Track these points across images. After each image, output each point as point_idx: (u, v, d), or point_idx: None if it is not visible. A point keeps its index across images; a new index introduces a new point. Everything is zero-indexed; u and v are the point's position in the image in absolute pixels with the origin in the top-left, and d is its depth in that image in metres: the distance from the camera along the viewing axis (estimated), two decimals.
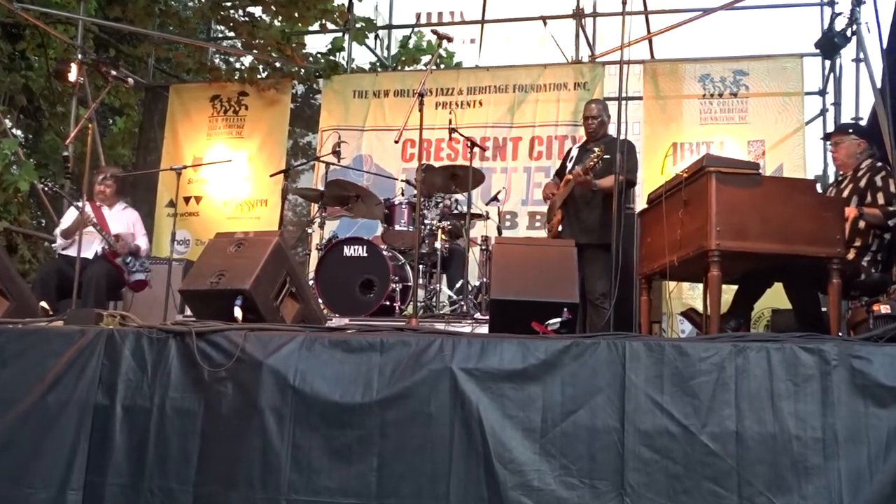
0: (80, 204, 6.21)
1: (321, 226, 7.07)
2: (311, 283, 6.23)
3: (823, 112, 8.66)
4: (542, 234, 7.60)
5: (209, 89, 10.03)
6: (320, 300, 6.10)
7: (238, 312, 4.12)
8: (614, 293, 4.64)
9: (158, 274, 6.90)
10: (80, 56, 9.43)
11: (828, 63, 8.52)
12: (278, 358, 3.68)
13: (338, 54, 10.06)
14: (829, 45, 8.13)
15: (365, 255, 6.32)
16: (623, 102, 5.24)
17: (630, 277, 5.47)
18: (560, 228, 6.19)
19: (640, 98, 8.84)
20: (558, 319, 4.06)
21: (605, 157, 5.74)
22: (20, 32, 10.52)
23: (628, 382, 3.37)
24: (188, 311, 5.36)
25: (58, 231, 6.79)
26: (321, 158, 7.65)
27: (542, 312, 4.07)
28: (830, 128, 7.75)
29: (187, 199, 9.63)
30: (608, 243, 5.27)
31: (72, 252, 6.30)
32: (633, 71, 10.23)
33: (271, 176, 8.43)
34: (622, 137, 5.32)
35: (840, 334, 4.40)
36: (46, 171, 11.62)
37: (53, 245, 7.04)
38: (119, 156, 13.03)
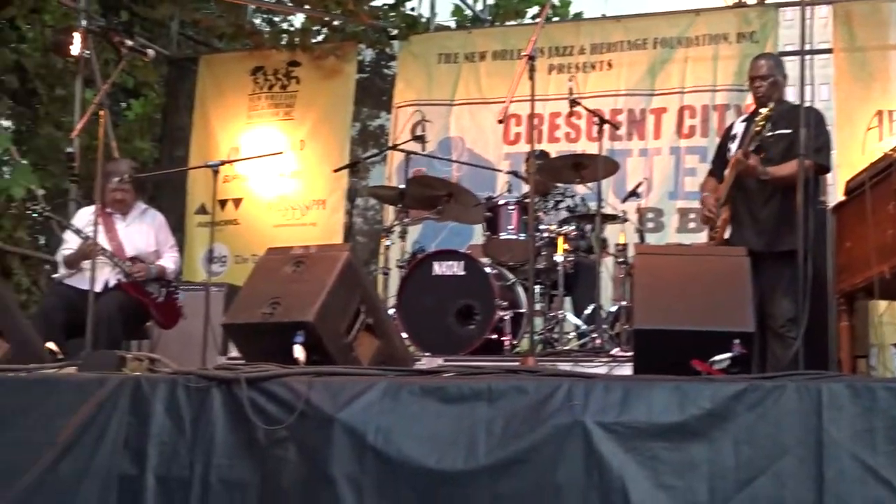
0: (84, 231, 6.40)
1: (402, 235, 6.96)
2: (391, 312, 6.29)
3: None
4: (700, 238, 7.53)
5: (250, 59, 10.20)
6: (404, 334, 6.12)
7: (299, 352, 4.18)
8: (804, 318, 4.58)
9: (192, 303, 7.03)
10: (83, 23, 9.46)
11: None
12: (354, 411, 3.73)
13: (416, 5, 10.19)
14: None
15: (462, 272, 6.34)
16: (807, 57, 5.18)
17: (825, 296, 5.39)
18: (728, 233, 6.12)
19: (828, 51, 8.68)
20: (728, 355, 4.03)
21: (783, 130, 5.66)
22: None
23: (827, 439, 3.32)
24: (234, 352, 5.48)
25: (59, 257, 6.87)
26: (399, 147, 7.73)
27: (706, 346, 4.04)
28: None
29: (223, 203, 9.69)
30: (793, 250, 5.20)
31: (78, 283, 6.46)
32: (819, 14, 10.08)
33: (335, 171, 8.54)
34: (807, 104, 5.23)
35: None
36: (46, 172, 11.88)
37: (55, 276, 7.18)
38: (137, 150, 13.23)
